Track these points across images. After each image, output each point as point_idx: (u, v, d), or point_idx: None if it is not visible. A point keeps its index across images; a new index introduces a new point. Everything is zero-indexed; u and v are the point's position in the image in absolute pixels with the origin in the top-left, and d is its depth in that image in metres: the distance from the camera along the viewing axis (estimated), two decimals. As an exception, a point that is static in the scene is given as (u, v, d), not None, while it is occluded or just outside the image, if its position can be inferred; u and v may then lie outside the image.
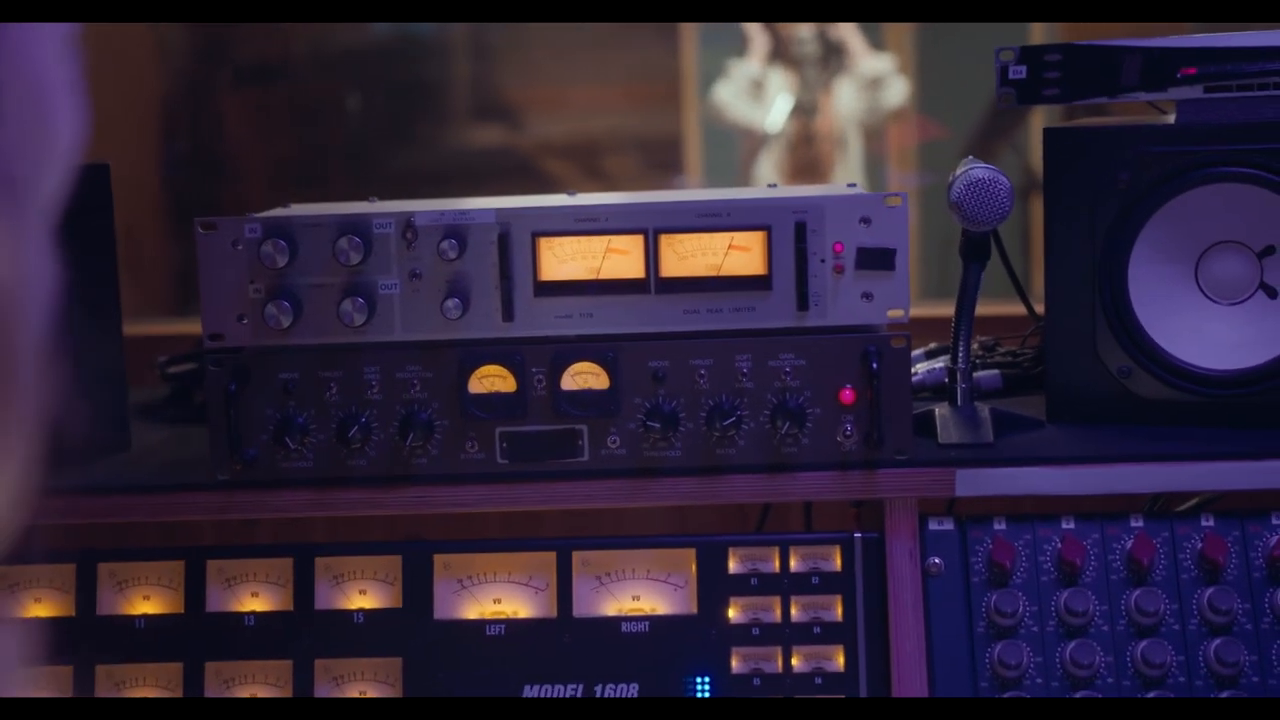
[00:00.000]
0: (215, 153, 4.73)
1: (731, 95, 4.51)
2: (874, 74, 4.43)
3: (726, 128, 4.57)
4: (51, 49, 0.58)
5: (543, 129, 4.71)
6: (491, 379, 1.48)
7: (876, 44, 4.51)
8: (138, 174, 4.35)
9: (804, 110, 4.42)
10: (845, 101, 4.46)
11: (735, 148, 4.61)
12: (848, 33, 4.45)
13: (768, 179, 4.39)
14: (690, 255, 1.48)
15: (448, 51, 4.80)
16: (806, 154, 4.49)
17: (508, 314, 1.47)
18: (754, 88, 4.49)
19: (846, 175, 4.41)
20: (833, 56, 4.46)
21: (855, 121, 4.46)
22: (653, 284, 1.48)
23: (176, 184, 4.57)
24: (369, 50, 4.85)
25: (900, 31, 4.60)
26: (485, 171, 4.62)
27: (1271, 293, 1.52)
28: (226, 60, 4.66)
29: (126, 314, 1.66)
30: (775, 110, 4.41)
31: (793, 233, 1.46)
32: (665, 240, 1.47)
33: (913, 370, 1.72)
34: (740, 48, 4.54)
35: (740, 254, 1.48)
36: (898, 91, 4.44)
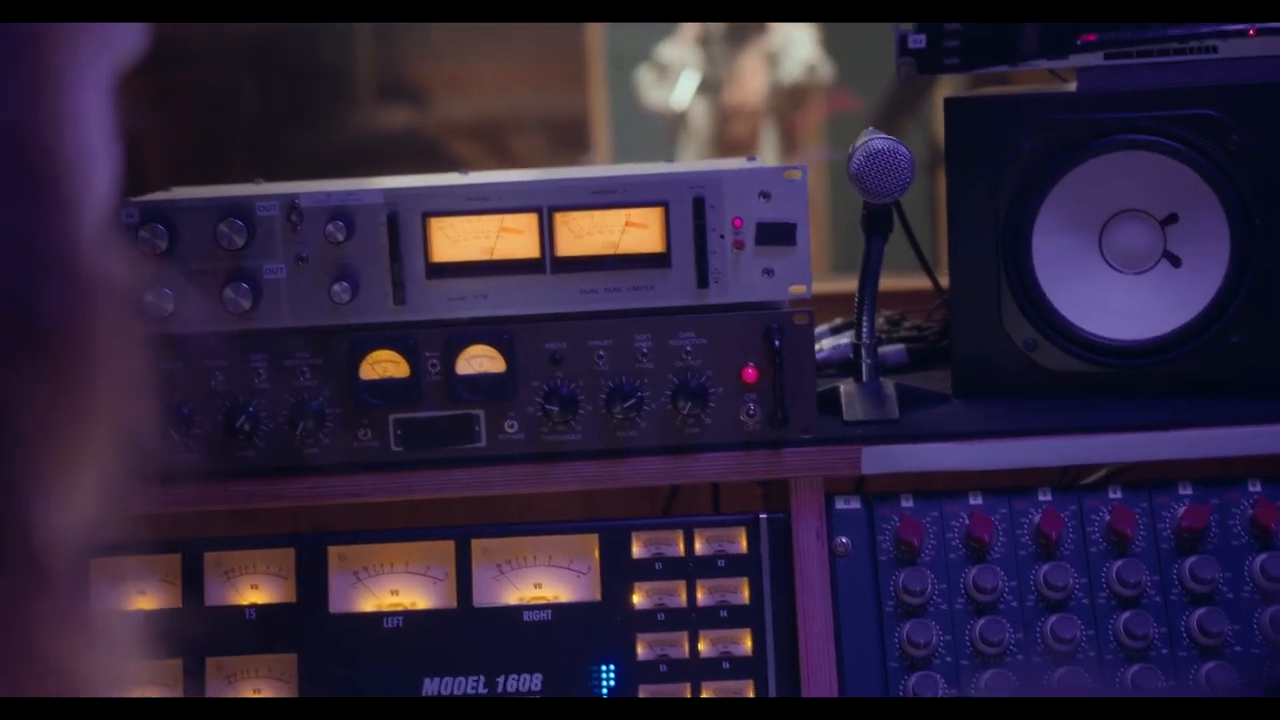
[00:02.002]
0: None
1: (652, 79, 4.47)
2: (784, 43, 4.39)
3: (638, 108, 4.52)
4: (97, 99, 0.63)
5: (449, 110, 4.65)
6: (384, 364, 1.44)
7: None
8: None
9: (710, 86, 4.39)
10: (758, 75, 4.42)
11: (648, 127, 4.57)
12: None
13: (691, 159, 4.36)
14: (586, 234, 1.44)
15: (350, 32, 4.73)
16: (723, 131, 4.46)
17: (399, 297, 1.43)
18: (672, 71, 4.45)
19: (765, 151, 4.38)
20: (740, 30, 4.42)
21: (767, 95, 4.44)
22: (548, 263, 1.44)
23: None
24: (269, 33, 4.77)
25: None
26: (391, 154, 4.56)
27: (1175, 261, 1.51)
28: (124, 45, 4.56)
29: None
30: (680, 87, 4.38)
31: (691, 208, 1.43)
32: (560, 218, 1.43)
33: (818, 347, 1.69)
34: (657, 29, 4.49)
35: (638, 231, 1.44)
36: (806, 56, 4.40)
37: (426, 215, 1.42)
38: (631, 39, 4.56)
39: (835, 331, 1.73)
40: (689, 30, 4.42)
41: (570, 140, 4.60)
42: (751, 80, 4.40)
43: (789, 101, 4.38)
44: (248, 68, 4.69)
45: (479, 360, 1.44)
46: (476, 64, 4.61)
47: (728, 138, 4.38)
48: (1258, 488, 1.45)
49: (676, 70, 4.39)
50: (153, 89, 4.63)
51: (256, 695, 1.44)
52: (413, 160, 4.46)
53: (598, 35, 4.68)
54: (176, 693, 1.43)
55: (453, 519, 1.70)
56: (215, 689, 1.44)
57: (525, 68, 4.63)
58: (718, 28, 4.41)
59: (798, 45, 4.37)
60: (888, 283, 1.96)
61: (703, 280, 1.43)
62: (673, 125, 4.41)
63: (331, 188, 1.44)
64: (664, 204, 1.43)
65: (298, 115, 4.73)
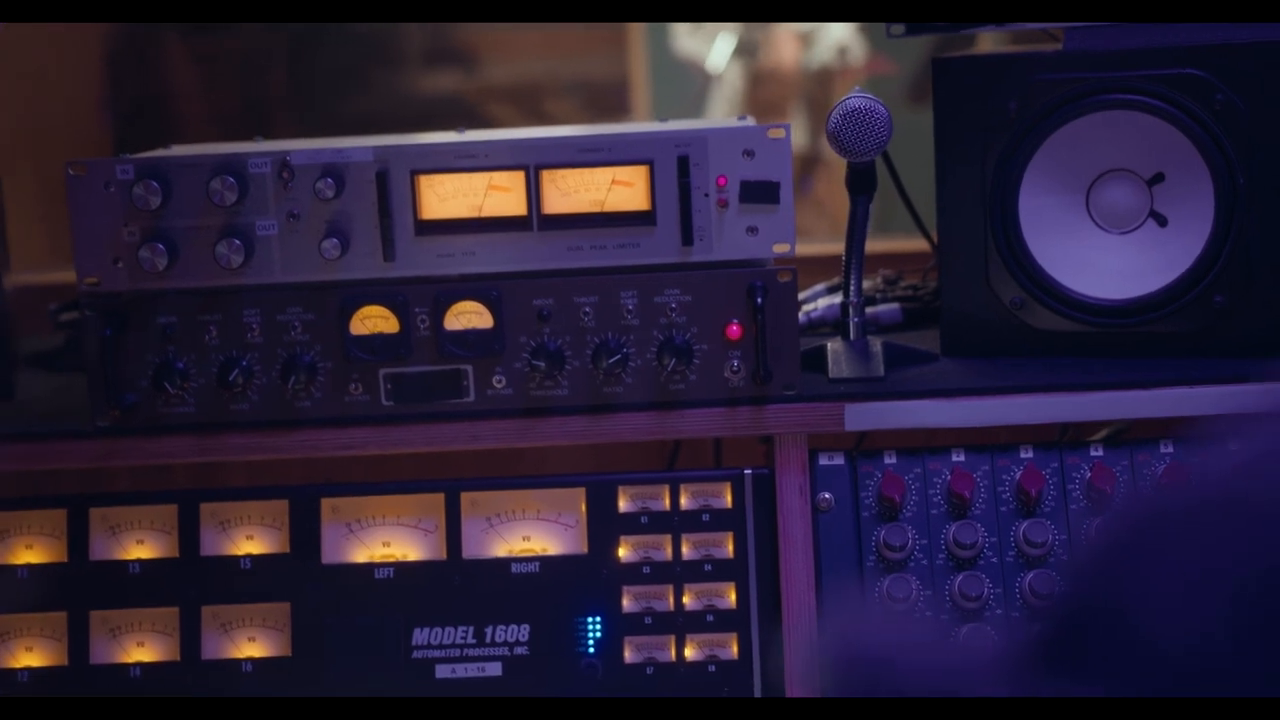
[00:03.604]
0: (163, 103, 4.68)
1: (692, 37, 4.46)
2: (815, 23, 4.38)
3: (677, 70, 4.52)
4: None
5: (492, 74, 4.67)
6: (374, 320, 1.46)
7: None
8: (84, 125, 4.31)
9: (746, 50, 4.39)
10: (791, 42, 4.42)
11: (688, 88, 4.57)
12: None
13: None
14: (573, 191, 1.46)
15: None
16: (757, 94, 4.45)
17: (389, 254, 1.45)
18: (710, 27, 4.44)
19: (797, 115, 4.38)
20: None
21: (800, 60, 4.43)
22: (535, 221, 1.46)
23: (124, 135, 4.52)
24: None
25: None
26: (432, 118, 4.58)
27: (1161, 221, 1.51)
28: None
29: (49, 263, 1.64)
30: (716, 50, 4.38)
31: (675, 167, 1.44)
32: (547, 176, 1.45)
33: (813, 305, 1.71)
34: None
35: (623, 189, 1.46)
36: (838, 38, 4.39)
37: (415, 173, 1.45)
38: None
39: (831, 290, 1.75)
40: None
41: (608, 102, 4.60)
42: (786, 45, 4.39)
43: (818, 84, 4.37)
44: (297, 30, 4.72)
45: (467, 316, 1.46)
46: (520, 27, 4.62)
47: (762, 100, 4.38)
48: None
49: (714, 28, 4.39)
50: (202, 53, 4.67)
51: (251, 643, 1.48)
52: (449, 124, 4.48)
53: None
54: (172, 640, 1.47)
55: (461, 472, 1.73)
56: (211, 637, 1.47)
57: (567, 30, 4.64)
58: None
59: (830, 26, 4.35)
60: (893, 244, 1.98)
61: (687, 238, 1.45)
62: (708, 85, 4.41)
63: (322, 145, 1.47)
64: (649, 162, 1.45)
65: (346, 78, 4.76)
